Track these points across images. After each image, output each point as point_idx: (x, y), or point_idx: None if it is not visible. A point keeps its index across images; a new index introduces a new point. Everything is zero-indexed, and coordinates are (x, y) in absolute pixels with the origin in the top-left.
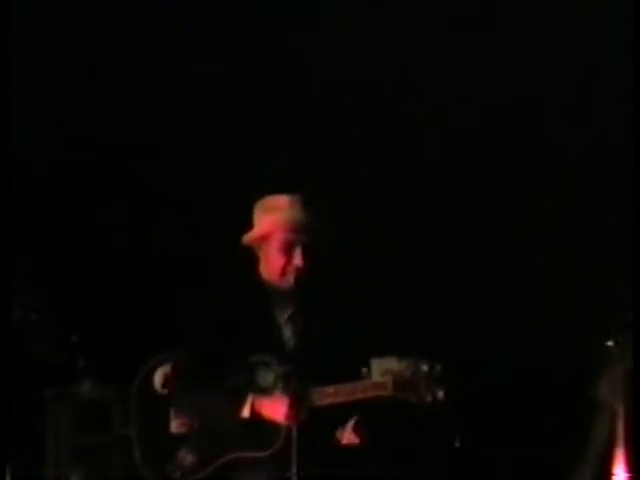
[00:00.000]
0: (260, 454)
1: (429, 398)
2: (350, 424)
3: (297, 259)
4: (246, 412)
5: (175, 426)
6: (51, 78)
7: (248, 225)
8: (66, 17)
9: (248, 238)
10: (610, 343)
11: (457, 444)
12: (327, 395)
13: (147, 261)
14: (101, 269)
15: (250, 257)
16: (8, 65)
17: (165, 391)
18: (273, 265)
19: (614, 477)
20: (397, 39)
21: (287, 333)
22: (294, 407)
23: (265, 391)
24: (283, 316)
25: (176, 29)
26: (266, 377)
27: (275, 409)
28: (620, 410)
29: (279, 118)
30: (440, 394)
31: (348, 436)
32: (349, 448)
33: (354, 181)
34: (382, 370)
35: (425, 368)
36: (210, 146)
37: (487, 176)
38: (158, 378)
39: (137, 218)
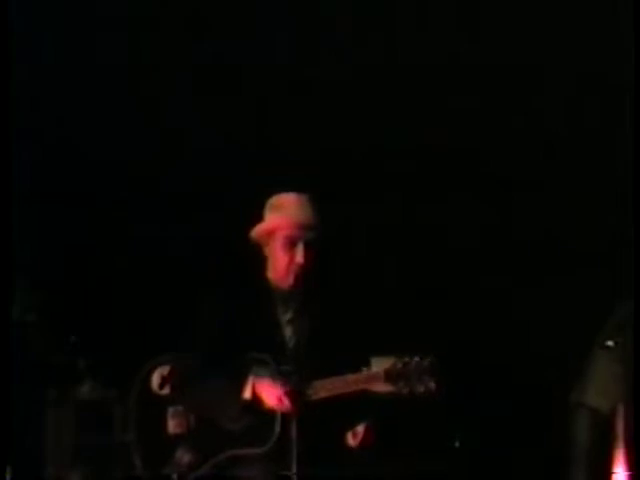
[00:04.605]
0: (256, 451)
1: (421, 389)
2: (361, 427)
3: (299, 256)
4: (247, 394)
5: (172, 427)
6: (51, 78)
7: (253, 224)
8: (66, 18)
9: (254, 232)
10: (610, 343)
11: (457, 444)
12: (321, 389)
13: (147, 262)
14: (101, 270)
15: (256, 258)
16: (8, 65)
17: (163, 392)
18: (277, 263)
19: (614, 476)
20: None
21: (288, 333)
22: (290, 395)
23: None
24: (285, 316)
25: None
26: (262, 373)
27: (272, 392)
28: (620, 410)
29: (281, 117)
30: (432, 384)
31: (357, 439)
32: (353, 449)
33: (353, 181)
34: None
35: (416, 359)
36: (212, 146)
37: (485, 174)
38: (156, 379)
39: (137, 218)
